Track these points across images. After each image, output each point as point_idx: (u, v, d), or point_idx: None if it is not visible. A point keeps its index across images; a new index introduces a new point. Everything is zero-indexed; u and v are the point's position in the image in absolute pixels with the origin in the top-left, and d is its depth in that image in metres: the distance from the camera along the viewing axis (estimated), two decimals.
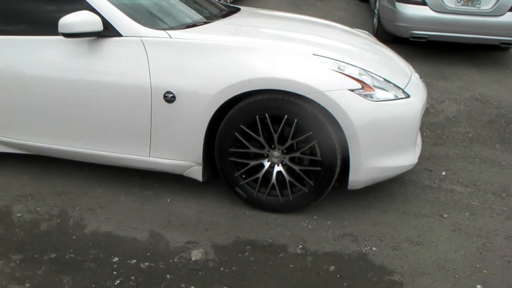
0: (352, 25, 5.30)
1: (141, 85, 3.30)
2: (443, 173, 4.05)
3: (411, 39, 7.27)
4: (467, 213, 3.49)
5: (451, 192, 3.76)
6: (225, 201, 3.54)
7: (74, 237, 3.15)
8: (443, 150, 4.47)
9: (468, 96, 5.95)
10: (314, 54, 3.29)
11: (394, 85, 3.38)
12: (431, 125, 5.02)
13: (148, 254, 3.00)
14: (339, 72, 3.20)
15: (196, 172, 3.44)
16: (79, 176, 3.85)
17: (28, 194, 3.59)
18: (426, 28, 7.08)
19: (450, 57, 7.54)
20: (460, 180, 3.94)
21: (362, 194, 3.58)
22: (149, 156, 3.48)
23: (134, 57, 3.33)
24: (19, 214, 3.36)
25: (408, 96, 3.36)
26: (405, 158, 3.41)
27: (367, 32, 4.85)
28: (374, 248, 3.08)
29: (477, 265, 2.96)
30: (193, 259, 2.94)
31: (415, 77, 3.80)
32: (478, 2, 6.89)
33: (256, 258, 2.97)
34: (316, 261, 2.96)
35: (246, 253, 3.02)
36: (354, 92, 3.13)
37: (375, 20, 8.80)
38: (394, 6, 7.32)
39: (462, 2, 6.92)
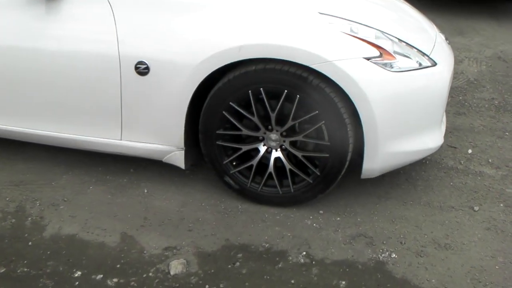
0: None
1: (107, 54, 2.67)
2: (469, 151, 3.46)
3: None
4: (501, 205, 2.91)
5: (480, 176, 3.18)
6: (213, 191, 2.97)
7: (30, 243, 2.58)
8: (467, 121, 3.86)
9: (490, 55, 5.29)
10: (320, 13, 2.64)
11: (418, 50, 2.74)
12: (451, 90, 4.38)
13: (118, 265, 2.43)
14: (352, 35, 2.56)
15: (177, 158, 2.85)
16: (44, 160, 3.26)
17: None
18: None
19: (467, 9, 6.82)
20: (490, 160, 3.35)
21: (376, 179, 3.00)
22: (121, 139, 2.88)
23: (98, 18, 2.70)
24: None
25: (434, 64, 2.73)
26: (430, 139, 2.81)
27: None
28: (394, 255, 2.51)
29: None
30: (172, 272, 2.38)
31: (441, 39, 3.16)
32: None
33: (250, 270, 2.41)
34: (324, 274, 2.40)
35: (238, 263, 2.45)
36: (371, 61, 2.51)
37: None
38: None
39: None
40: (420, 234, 2.67)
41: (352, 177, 2.92)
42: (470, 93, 4.35)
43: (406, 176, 3.14)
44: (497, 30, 6.06)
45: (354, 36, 2.56)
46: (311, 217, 2.77)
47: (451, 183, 3.10)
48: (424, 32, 3.07)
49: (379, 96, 2.50)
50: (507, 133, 3.70)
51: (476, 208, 2.87)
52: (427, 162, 3.27)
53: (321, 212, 2.81)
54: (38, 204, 2.86)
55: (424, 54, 2.74)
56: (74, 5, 2.73)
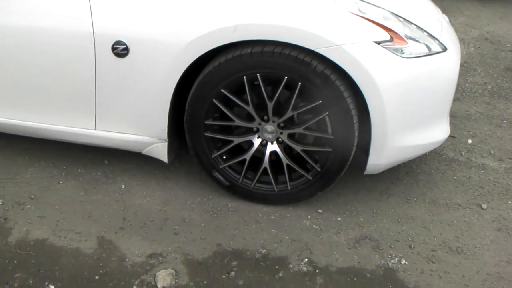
0: None
1: (80, 32, 2.33)
2: (469, 140, 3.24)
3: None
4: (510, 202, 2.71)
5: (483, 169, 2.97)
6: (198, 187, 2.67)
7: None
8: (462, 108, 3.65)
9: (476, 36, 5.09)
10: None
11: (429, 34, 2.48)
12: None
13: (97, 277, 2.13)
14: (360, 16, 2.27)
15: (159, 150, 2.54)
16: (5, 150, 2.90)
17: None
18: None
19: None
20: (492, 152, 3.14)
21: (375, 173, 2.74)
22: (95, 129, 2.55)
23: None
24: None
25: (445, 49, 2.48)
26: (438, 131, 2.58)
27: None
28: (404, 261, 2.28)
29: None
30: (159, 285, 2.09)
31: (445, 21, 2.90)
32: None
33: (247, 281, 2.13)
34: (329, 284, 2.14)
35: (233, 273, 2.17)
36: (381, 46, 2.23)
37: None
38: None
39: None
40: (429, 236, 2.44)
41: (348, 171, 2.66)
42: (462, 76, 4.13)
43: (407, 169, 2.91)
44: (481, 10, 5.86)
45: (362, 17, 2.28)
46: (309, 217, 2.51)
47: (455, 177, 2.88)
48: (430, 13, 2.80)
49: (390, 85, 2.24)
50: (505, 122, 3.50)
51: (484, 206, 2.66)
52: (427, 153, 3.04)
53: (319, 211, 2.55)
54: (0, 203, 2.51)
55: (434, 38, 2.48)
56: None
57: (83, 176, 2.72)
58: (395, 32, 2.30)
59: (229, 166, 2.52)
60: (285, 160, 2.44)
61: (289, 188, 2.48)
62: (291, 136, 2.42)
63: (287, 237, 2.38)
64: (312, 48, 2.18)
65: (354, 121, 2.30)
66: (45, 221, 2.42)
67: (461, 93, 3.87)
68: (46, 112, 2.55)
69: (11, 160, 2.82)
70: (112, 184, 2.67)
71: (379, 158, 2.40)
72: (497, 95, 3.88)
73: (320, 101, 2.27)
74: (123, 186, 2.66)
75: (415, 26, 2.45)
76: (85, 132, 2.56)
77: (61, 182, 2.68)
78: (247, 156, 2.47)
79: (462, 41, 4.93)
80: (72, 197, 2.57)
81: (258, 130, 2.43)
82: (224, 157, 2.51)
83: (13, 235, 2.33)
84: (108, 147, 2.62)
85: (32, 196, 2.57)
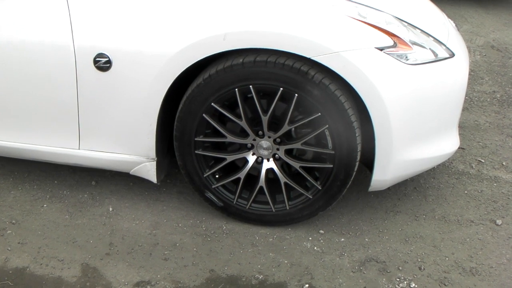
0: None
1: (60, 45, 2.17)
2: (480, 152, 3.06)
3: None
4: None
5: (496, 182, 2.78)
6: (190, 208, 2.50)
7: None
8: (471, 117, 3.47)
9: (482, 43, 4.92)
10: None
11: (435, 39, 2.31)
12: None
13: None
14: (361, 21, 2.10)
15: (148, 170, 2.36)
16: None
17: None
18: None
19: None
20: (504, 163, 2.96)
21: (381, 190, 2.56)
22: (79, 149, 2.38)
23: (48, 1, 2.17)
24: None
25: (452, 55, 2.31)
26: (447, 143, 2.40)
27: None
28: (414, 284, 2.09)
29: None
30: None
31: (452, 26, 2.74)
32: None
33: None
34: None
35: None
36: (384, 52, 2.06)
37: None
38: None
39: None
40: (440, 256, 2.25)
41: (352, 188, 2.49)
42: (469, 85, 3.95)
43: (414, 184, 2.72)
44: (485, 17, 5.71)
45: (363, 22, 2.11)
46: (310, 238, 2.32)
47: (466, 191, 2.69)
48: (435, 17, 2.64)
49: (394, 94, 2.07)
50: None
51: (498, 222, 2.47)
52: (436, 167, 2.86)
53: (321, 231, 2.36)
54: None
55: (440, 43, 2.32)
56: None
57: (68, 199, 2.55)
58: (398, 37, 2.13)
59: (223, 186, 2.34)
60: (282, 178, 2.26)
61: (287, 208, 2.30)
62: (288, 152, 2.24)
63: (286, 261, 2.19)
64: (309, 56, 2.02)
65: (356, 134, 2.12)
66: (25, 247, 2.24)
67: (469, 102, 3.70)
68: (27, 131, 2.39)
69: None
70: (99, 206, 2.50)
71: (384, 173, 2.22)
72: (506, 104, 3.70)
73: (319, 114, 2.10)
74: (110, 209, 2.48)
75: (420, 31, 2.29)
76: (69, 152, 2.39)
77: (45, 205, 2.51)
78: (242, 174, 2.30)
79: (468, 49, 4.75)
80: (56, 221, 2.40)
81: (252, 147, 2.26)
82: (217, 176, 2.34)
83: None
84: (94, 168, 2.45)
85: (13, 221, 2.40)
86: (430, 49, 2.23)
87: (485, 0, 6.34)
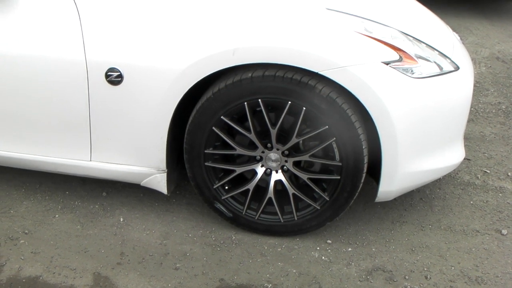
0: None
1: (72, 60, 2.22)
2: (485, 163, 3.09)
3: None
4: None
5: (501, 193, 2.81)
6: (200, 219, 2.54)
7: None
8: (476, 129, 3.50)
9: (487, 55, 4.96)
10: (328, 9, 2.23)
11: (440, 52, 2.36)
12: None
13: None
14: (367, 35, 2.15)
15: (158, 181, 2.41)
16: (1, 184, 2.78)
17: None
18: None
19: (456, 7, 6.50)
20: (509, 174, 2.99)
21: (387, 201, 2.59)
22: (91, 160, 2.43)
23: (60, 17, 2.24)
24: None
25: (457, 68, 2.35)
26: (454, 154, 2.44)
27: None
28: None
29: None
30: None
31: (456, 39, 2.78)
32: None
33: None
34: None
35: None
36: (390, 66, 2.10)
37: None
38: None
39: None
40: (446, 265, 2.28)
41: (359, 199, 2.53)
42: (474, 97, 4.00)
43: (420, 194, 2.76)
44: (490, 29, 5.75)
45: (369, 36, 2.16)
46: (318, 248, 2.36)
47: (471, 202, 2.72)
48: (440, 31, 2.68)
49: (400, 107, 2.11)
50: None
51: (504, 232, 2.50)
52: (441, 177, 2.89)
53: (329, 241, 2.40)
54: None
55: (445, 56, 2.36)
56: (29, 0, 2.27)
57: (80, 209, 2.60)
58: (404, 51, 2.18)
59: (232, 197, 2.39)
60: (291, 190, 2.31)
61: (296, 218, 2.35)
62: (296, 164, 2.29)
63: (294, 270, 2.23)
64: (316, 71, 2.06)
65: (363, 146, 2.16)
66: (38, 257, 2.29)
67: (474, 114, 3.73)
68: (39, 143, 2.45)
69: (5, 193, 2.70)
70: (110, 217, 2.55)
71: (391, 184, 2.26)
72: (511, 115, 3.73)
73: (327, 126, 2.14)
74: (121, 219, 2.53)
75: (425, 45, 2.33)
76: (81, 164, 2.44)
77: (56, 216, 2.56)
78: (251, 186, 2.34)
79: (473, 60, 4.80)
80: (67, 232, 2.45)
81: (261, 159, 2.31)
82: (227, 187, 2.39)
83: (4, 273, 2.20)
84: (105, 179, 2.50)
85: (26, 231, 2.45)
86: (435, 62, 2.27)
87: (490, 12, 6.38)
